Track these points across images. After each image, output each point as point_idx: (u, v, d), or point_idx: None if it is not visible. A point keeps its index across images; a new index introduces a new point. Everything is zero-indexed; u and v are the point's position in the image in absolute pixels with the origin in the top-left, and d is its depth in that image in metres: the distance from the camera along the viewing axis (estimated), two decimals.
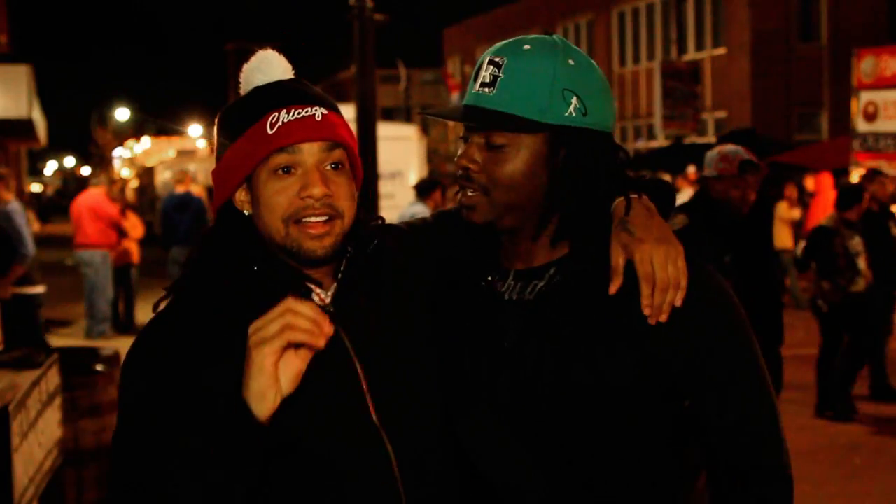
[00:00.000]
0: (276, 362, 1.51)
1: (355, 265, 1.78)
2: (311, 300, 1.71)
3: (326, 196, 1.68)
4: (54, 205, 54.66)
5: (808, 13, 26.46)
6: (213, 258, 1.76)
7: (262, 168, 1.70)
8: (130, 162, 42.26)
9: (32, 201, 29.27)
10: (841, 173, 16.27)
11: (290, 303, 1.52)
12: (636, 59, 30.73)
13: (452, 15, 50.36)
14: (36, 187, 67.62)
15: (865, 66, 16.84)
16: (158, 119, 39.27)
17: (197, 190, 13.76)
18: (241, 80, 1.79)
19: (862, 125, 16.66)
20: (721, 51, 26.93)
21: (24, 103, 17.16)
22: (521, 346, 1.78)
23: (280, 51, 1.82)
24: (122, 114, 51.78)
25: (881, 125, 16.43)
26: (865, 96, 16.65)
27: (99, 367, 5.72)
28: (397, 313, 1.81)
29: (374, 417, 1.70)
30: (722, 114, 26.63)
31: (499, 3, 38.05)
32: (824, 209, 14.57)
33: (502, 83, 1.77)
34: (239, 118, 1.74)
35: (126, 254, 13.26)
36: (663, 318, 1.71)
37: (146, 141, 41.90)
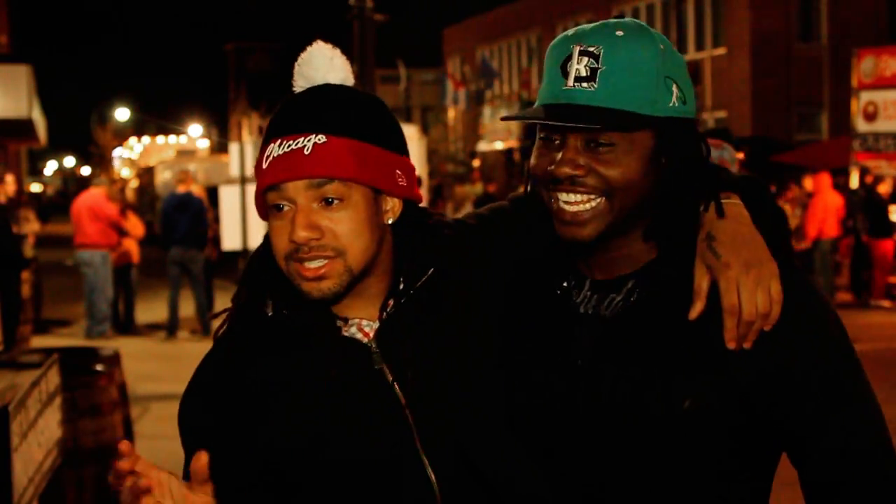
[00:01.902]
0: None
1: (402, 300, 1.67)
2: (343, 336, 1.66)
3: (312, 240, 1.57)
4: (54, 205, 54.69)
5: (808, 13, 26.47)
6: (257, 283, 1.70)
7: (266, 202, 1.63)
8: (130, 162, 42.27)
9: (32, 201, 29.22)
10: (840, 173, 16.27)
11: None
12: None
13: (452, 15, 50.38)
14: (36, 187, 67.58)
15: (865, 66, 16.84)
16: (158, 119, 39.20)
17: (197, 190, 13.76)
18: (294, 78, 1.70)
19: (862, 125, 16.65)
20: (721, 51, 26.94)
21: (24, 103, 17.15)
22: (596, 364, 1.64)
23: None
24: (122, 114, 51.74)
25: (881, 125, 16.43)
26: (865, 96, 16.65)
27: (99, 367, 5.71)
28: (452, 337, 1.69)
29: (421, 452, 1.63)
30: (722, 114, 26.63)
31: (499, 3, 38.06)
32: (823, 209, 14.58)
33: (604, 76, 1.58)
34: (264, 137, 1.66)
35: (126, 254, 13.27)
36: (747, 345, 1.56)
37: (146, 141, 41.90)
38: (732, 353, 1.56)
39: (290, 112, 1.63)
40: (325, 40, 1.72)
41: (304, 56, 1.68)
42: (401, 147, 1.68)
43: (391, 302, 1.67)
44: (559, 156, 1.62)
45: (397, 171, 1.65)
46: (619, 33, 1.61)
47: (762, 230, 1.64)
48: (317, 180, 1.57)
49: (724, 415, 1.58)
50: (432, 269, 1.69)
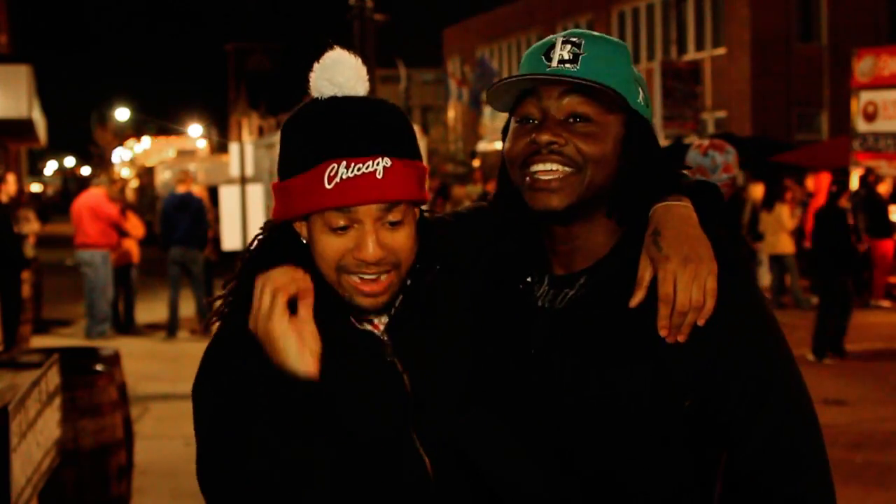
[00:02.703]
0: (290, 327, 1.60)
1: (410, 298, 1.76)
2: (365, 327, 1.75)
3: (381, 259, 1.65)
4: (54, 205, 54.68)
5: (808, 13, 26.46)
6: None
7: (317, 217, 1.66)
8: (130, 162, 42.26)
9: (32, 201, 29.22)
10: (840, 173, 16.25)
11: (261, 277, 1.63)
12: (636, 59, 30.71)
13: (452, 15, 50.42)
14: (36, 187, 67.59)
15: (864, 65, 16.83)
16: (158, 119, 39.25)
17: (197, 190, 13.76)
18: (310, 79, 1.71)
19: (862, 125, 16.65)
20: (721, 51, 26.93)
21: (24, 103, 17.16)
22: (546, 355, 1.74)
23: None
24: (122, 114, 51.74)
25: (881, 125, 16.42)
26: (865, 96, 16.64)
27: (99, 367, 5.71)
28: (449, 329, 1.81)
29: (416, 440, 1.72)
30: (722, 114, 26.63)
31: (499, 3, 38.06)
32: None
33: (586, 60, 1.70)
34: (299, 147, 1.67)
35: (126, 254, 13.26)
36: (681, 338, 1.64)
37: (146, 141, 41.90)
38: (668, 346, 1.64)
39: (349, 131, 1.65)
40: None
41: (328, 61, 1.70)
42: (418, 146, 1.76)
43: (401, 297, 1.75)
44: (540, 126, 1.71)
45: (426, 185, 1.76)
46: (597, 35, 1.76)
47: (711, 233, 1.72)
48: (388, 203, 1.64)
49: (666, 403, 1.66)
50: (437, 267, 1.79)
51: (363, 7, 10.46)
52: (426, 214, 1.85)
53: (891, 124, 16.27)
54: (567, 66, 1.71)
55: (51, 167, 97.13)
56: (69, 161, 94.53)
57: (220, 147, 34.59)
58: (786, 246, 14.33)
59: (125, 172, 40.65)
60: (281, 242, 1.74)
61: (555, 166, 1.70)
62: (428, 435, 1.74)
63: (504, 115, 1.84)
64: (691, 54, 27.43)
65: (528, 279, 1.83)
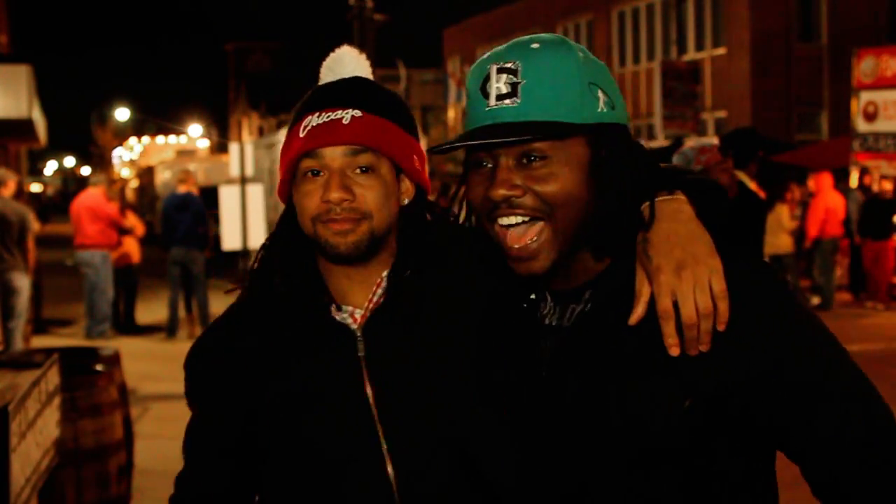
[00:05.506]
0: None
1: (395, 287, 1.76)
2: (333, 318, 1.77)
3: (345, 201, 1.69)
4: (54, 205, 54.70)
5: (808, 13, 26.45)
6: (268, 260, 1.83)
7: (297, 170, 1.74)
8: (130, 162, 42.26)
9: (32, 201, 29.22)
10: (841, 173, 16.25)
11: None
12: (636, 59, 30.72)
13: (452, 15, 50.42)
14: (36, 187, 67.58)
15: (865, 66, 16.84)
16: (158, 119, 39.22)
17: (194, 190, 13.76)
18: (319, 78, 1.83)
19: (862, 125, 16.66)
20: (721, 51, 26.93)
21: (24, 103, 17.15)
22: (559, 376, 1.62)
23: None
24: (122, 114, 51.73)
25: (881, 125, 16.43)
26: (865, 96, 16.65)
27: (99, 367, 5.71)
28: (439, 334, 1.76)
29: (384, 447, 1.72)
30: (722, 114, 26.62)
31: (499, 3, 38.04)
32: (824, 209, 14.58)
33: (525, 89, 1.55)
34: (294, 117, 1.79)
35: (126, 255, 13.27)
36: (704, 347, 1.49)
37: (146, 141, 41.91)
38: (688, 356, 1.50)
39: (327, 91, 1.77)
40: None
41: (333, 56, 1.83)
42: (417, 135, 1.83)
43: (379, 290, 1.76)
44: (493, 177, 1.58)
45: (415, 156, 1.79)
46: (535, 46, 1.58)
47: (712, 227, 1.60)
48: (353, 148, 1.70)
49: (681, 419, 1.52)
50: (426, 266, 1.78)
51: (363, 7, 10.47)
52: (438, 212, 1.85)
53: (891, 124, 16.27)
54: (506, 102, 1.55)
55: (51, 167, 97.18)
56: (69, 161, 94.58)
57: (220, 147, 34.58)
58: (786, 246, 14.33)
59: (125, 172, 40.68)
60: (283, 221, 1.82)
61: (518, 219, 1.58)
62: (397, 445, 1.72)
63: None
64: (691, 54, 27.42)
65: (532, 296, 1.71)
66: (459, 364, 1.74)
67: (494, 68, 1.58)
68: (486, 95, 1.58)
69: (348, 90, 1.75)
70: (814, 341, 1.54)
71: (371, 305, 1.76)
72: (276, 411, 1.74)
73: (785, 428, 1.53)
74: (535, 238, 1.58)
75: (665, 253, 1.54)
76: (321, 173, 1.71)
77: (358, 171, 1.71)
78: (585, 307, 1.63)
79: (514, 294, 1.73)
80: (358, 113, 1.71)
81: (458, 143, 1.59)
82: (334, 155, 1.70)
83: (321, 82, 1.81)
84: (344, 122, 1.70)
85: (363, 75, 1.81)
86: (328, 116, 1.71)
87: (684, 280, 1.51)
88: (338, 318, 1.76)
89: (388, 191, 1.73)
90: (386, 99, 1.78)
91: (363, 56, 1.84)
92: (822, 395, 1.50)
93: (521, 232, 1.59)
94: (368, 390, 1.72)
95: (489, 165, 1.60)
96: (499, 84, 1.57)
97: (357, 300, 1.77)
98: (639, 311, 1.54)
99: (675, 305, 1.52)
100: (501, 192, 1.56)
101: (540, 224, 1.58)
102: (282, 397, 1.73)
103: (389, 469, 1.70)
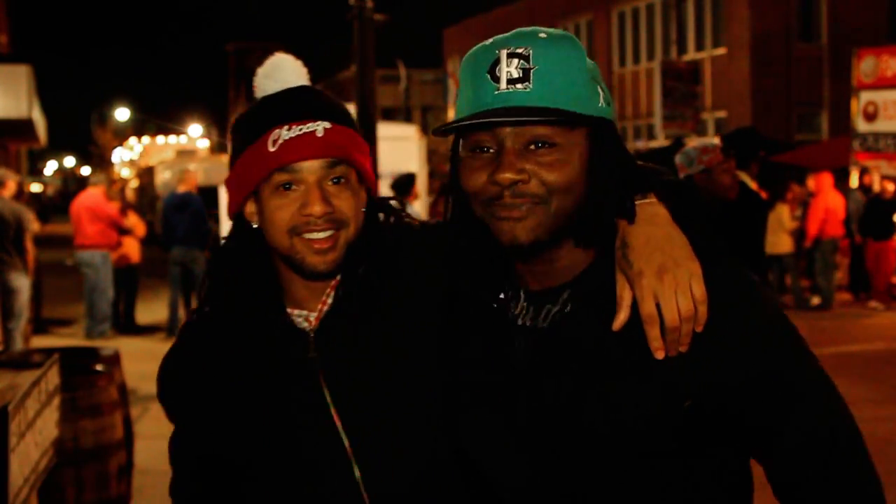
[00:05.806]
0: None
1: (347, 288, 1.78)
2: (291, 324, 1.78)
3: (327, 213, 1.70)
4: (54, 205, 54.69)
5: (808, 13, 26.46)
6: (223, 273, 1.87)
7: (265, 185, 1.72)
8: (130, 162, 42.26)
9: (32, 201, 29.20)
10: (841, 173, 16.25)
11: None
12: (636, 59, 30.73)
13: (452, 15, 50.42)
14: (36, 187, 67.58)
15: (865, 66, 16.84)
16: (158, 119, 39.27)
17: (194, 190, 13.74)
18: (254, 86, 1.80)
19: (862, 125, 16.66)
20: (721, 51, 26.93)
21: (24, 103, 17.17)
22: (534, 379, 1.61)
23: (286, 52, 1.83)
24: (122, 114, 51.80)
25: (881, 125, 16.43)
26: (865, 96, 16.65)
27: (99, 367, 5.71)
28: (394, 332, 1.78)
29: (347, 448, 1.74)
30: (722, 114, 26.63)
31: (499, 3, 38.05)
32: (824, 209, 14.58)
33: (538, 75, 1.53)
34: (246, 131, 1.76)
35: (126, 255, 13.26)
36: (683, 348, 1.51)
37: (146, 141, 41.90)
38: (670, 358, 1.52)
39: (287, 102, 1.74)
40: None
41: (271, 64, 1.80)
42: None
43: (331, 291, 1.78)
44: (499, 161, 1.55)
45: (367, 161, 1.81)
46: (543, 36, 1.57)
47: (687, 229, 1.60)
48: (330, 160, 1.71)
49: (664, 420, 1.53)
50: (380, 266, 1.80)
51: (363, 7, 10.46)
52: (391, 213, 1.88)
53: (891, 124, 16.27)
54: (518, 86, 1.53)
55: (51, 167, 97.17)
56: (69, 161, 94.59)
57: (220, 147, 34.58)
58: (786, 245, 14.33)
59: (125, 172, 40.67)
60: (237, 234, 1.84)
61: (521, 209, 1.56)
62: (361, 445, 1.74)
63: None
64: (691, 54, 27.43)
65: (502, 295, 1.69)
66: (417, 363, 1.75)
67: (505, 52, 1.55)
68: (496, 79, 1.55)
69: (312, 101, 1.75)
70: (787, 344, 1.57)
71: (324, 307, 1.78)
72: (244, 420, 1.77)
73: (755, 427, 1.56)
74: (529, 213, 1.56)
75: (646, 257, 1.55)
76: (293, 186, 1.70)
77: (331, 182, 1.72)
78: (564, 308, 1.62)
79: (484, 293, 1.71)
80: (328, 125, 1.72)
81: (473, 120, 1.54)
82: (312, 168, 1.70)
83: (259, 90, 1.78)
84: (318, 134, 1.70)
85: (303, 82, 1.79)
86: (300, 129, 1.70)
87: (666, 284, 1.52)
88: (296, 323, 1.79)
89: (358, 199, 1.76)
90: (342, 108, 1.79)
91: (300, 62, 1.82)
92: (793, 396, 1.54)
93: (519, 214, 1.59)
94: (326, 392, 1.75)
95: (491, 150, 1.57)
96: (510, 68, 1.54)
97: (313, 305, 1.80)
98: (622, 317, 1.55)
99: (658, 309, 1.53)
100: (509, 175, 1.53)
101: (537, 206, 1.57)
102: (247, 406, 1.77)
103: (356, 469, 1.73)
